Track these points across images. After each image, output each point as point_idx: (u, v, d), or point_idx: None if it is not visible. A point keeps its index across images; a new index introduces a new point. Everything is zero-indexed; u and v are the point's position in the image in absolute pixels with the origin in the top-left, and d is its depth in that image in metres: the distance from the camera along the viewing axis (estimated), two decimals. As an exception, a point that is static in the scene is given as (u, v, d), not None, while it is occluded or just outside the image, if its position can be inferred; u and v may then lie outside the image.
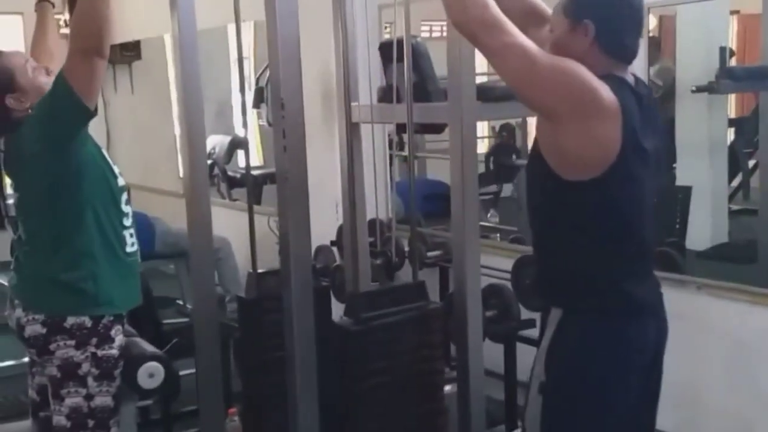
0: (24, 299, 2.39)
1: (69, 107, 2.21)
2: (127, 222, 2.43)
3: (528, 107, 1.87)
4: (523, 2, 2.12)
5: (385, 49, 2.78)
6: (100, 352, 2.32)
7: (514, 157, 5.61)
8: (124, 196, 2.45)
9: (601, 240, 1.86)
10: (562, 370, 1.89)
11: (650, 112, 1.90)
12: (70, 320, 2.30)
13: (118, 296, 2.38)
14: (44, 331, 2.31)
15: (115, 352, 2.36)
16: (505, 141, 5.98)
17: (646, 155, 1.84)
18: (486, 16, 1.77)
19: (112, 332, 2.35)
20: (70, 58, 2.20)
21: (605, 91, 1.75)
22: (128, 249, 2.42)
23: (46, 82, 2.35)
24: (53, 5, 2.73)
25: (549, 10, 2.02)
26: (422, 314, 2.39)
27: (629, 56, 1.88)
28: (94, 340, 2.32)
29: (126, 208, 2.44)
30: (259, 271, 2.60)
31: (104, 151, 2.45)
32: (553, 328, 1.92)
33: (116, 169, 2.45)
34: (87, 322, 2.31)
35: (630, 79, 1.87)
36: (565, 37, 1.86)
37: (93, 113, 2.27)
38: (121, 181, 2.45)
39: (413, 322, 2.36)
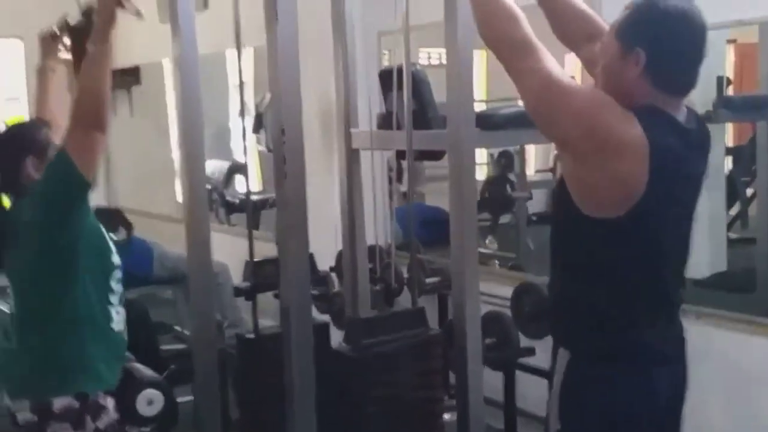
0: (9, 382, 2.35)
1: (69, 180, 2.21)
2: (115, 300, 2.38)
3: (544, 135, 1.79)
4: (578, 15, 2.00)
5: (385, 76, 2.80)
6: (101, 425, 2.28)
7: (508, 188, 5.55)
8: (117, 273, 2.40)
9: (617, 282, 1.76)
10: (575, 424, 1.82)
11: (699, 149, 1.80)
12: (57, 403, 2.24)
13: (105, 371, 2.33)
14: (36, 419, 2.25)
15: (114, 416, 2.31)
16: (499, 172, 5.90)
17: (682, 194, 1.75)
18: (516, 35, 1.72)
19: (102, 401, 2.30)
20: (71, 133, 2.22)
21: (627, 127, 1.64)
22: (114, 326, 2.37)
23: None
24: (53, 70, 2.73)
25: (605, 25, 1.91)
26: (422, 341, 2.38)
27: (682, 90, 1.75)
28: (89, 417, 2.26)
29: (117, 287, 2.39)
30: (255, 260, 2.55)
31: (102, 228, 2.42)
32: (561, 373, 1.83)
33: (113, 246, 2.42)
34: (74, 403, 2.25)
35: (679, 113, 1.75)
36: (615, 63, 1.72)
37: (92, 185, 2.29)
38: (116, 259, 2.41)
39: (413, 349, 2.35)
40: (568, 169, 1.75)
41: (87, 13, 2.43)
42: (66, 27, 2.62)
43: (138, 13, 2.26)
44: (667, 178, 1.67)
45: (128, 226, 4.58)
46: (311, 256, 2.40)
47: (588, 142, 1.66)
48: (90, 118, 2.20)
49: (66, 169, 2.20)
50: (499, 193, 5.50)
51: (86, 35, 2.30)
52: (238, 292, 2.98)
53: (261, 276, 2.52)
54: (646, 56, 1.68)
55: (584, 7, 2.02)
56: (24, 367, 2.33)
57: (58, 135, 2.37)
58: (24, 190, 2.31)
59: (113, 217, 4.57)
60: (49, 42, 2.68)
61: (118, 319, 2.38)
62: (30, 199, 2.29)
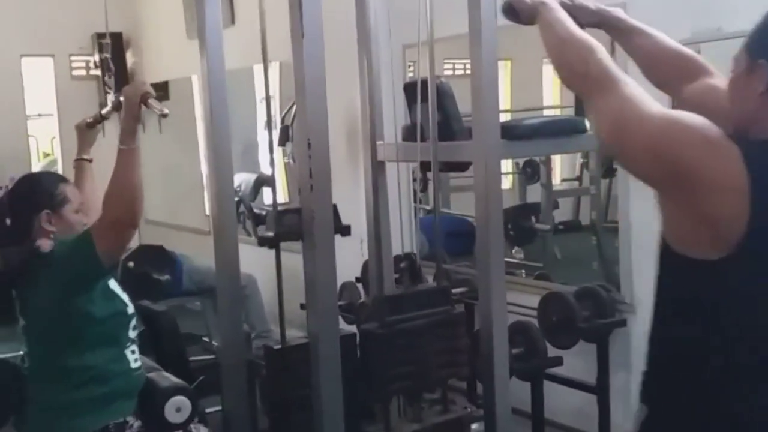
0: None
1: (86, 262, 2.25)
2: (131, 344, 2.43)
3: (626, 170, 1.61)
4: (670, 55, 1.85)
5: (410, 89, 2.81)
6: None
7: (533, 220, 5.13)
8: (133, 322, 2.46)
9: (711, 334, 1.49)
10: None
11: None
12: None
13: (126, 404, 2.38)
14: None
15: (137, 425, 2.36)
16: (522, 204, 5.43)
17: None
18: (590, 72, 1.57)
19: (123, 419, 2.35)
20: (101, 223, 2.26)
21: (719, 162, 1.40)
22: (132, 365, 2.42)
23: (77, 221, 2.42)
24: (90, 161, 2.79)
25: (704, 63, 1.80)
26: (446, 319, 2.38)
27: None
28: None
29: (133, 334, 2.45)
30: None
31: (113, 283, 2.45)
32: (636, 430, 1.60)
33: (125, 298, 2.46)
34: None
35: None
36: (741, 79, 1.51)
37: (108, 272, 2.34)
38: (130, 310, 2.46)
39: (437, 326, 2.36)
40: (657, 200, 1.52)
41: (118, 107, 2.50)
42: (100, 119, 2.71)
43: (163, 113, 2.33)
44: None
45: (172, 264, 4.67)
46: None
47: (662, 177, 1.46)
48: (121, 214, 2.25)
49: (86, 250, 2.24)
50: (524, 224, 5.28)
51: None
52: (262, 241, 3.05)
53: (284, 225, 2.56)
54: None
55: (675, 45, 1.87)
56: (41, 422, 2.35)
57: (92, 218, 2.43)
58: (39, 252, 2.32)
59: (157, 256, 4.66)
60: (84, 132, 2.73)
61: (134, 357, 2.43)
62: (47, 270, 2.30)
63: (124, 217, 2.26)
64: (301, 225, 2.18)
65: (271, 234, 2.38)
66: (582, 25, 1.77)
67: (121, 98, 2.38)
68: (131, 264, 4.54)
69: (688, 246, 1.47)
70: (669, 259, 1.52)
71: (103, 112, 2.71)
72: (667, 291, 1.57)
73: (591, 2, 1.91)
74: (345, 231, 2.39)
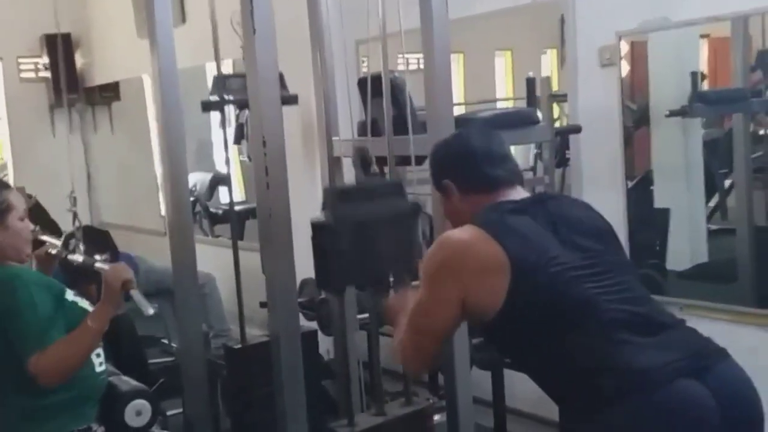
0: None
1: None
2: (98, 350, 2.40)
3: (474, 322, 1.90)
4: None
5: (364, 84, 2.82)
6: None
7: None
8: None
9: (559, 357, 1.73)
10: None
11: (558, 206, 1.89)
12: None
13: (89, 410, 2.36)
14: None
15: (101, 429, 2.34)
16: None
17: (561, 254, 1.74)
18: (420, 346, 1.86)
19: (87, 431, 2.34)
20: (33, 367, 2.20)
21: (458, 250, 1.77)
22: (97, 369, 2.39)
23: (23, 228, 2.39)
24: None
25: None
26: (400, 211, 2.33)
27: (496, 183, 1.90)
28: None
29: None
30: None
31: (70, 294, 2.42)
32: None
33: (86, 304, 2.43)
34: None
35: (513, 196, 1.88)
36: (446, 205, 1.97)
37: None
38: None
39: (391, 219, 2.31)
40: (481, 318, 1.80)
41: (89, 263, 2.46)
42: (62, 255, 2.61)
43: (147, 312, 2.28)
44: (530, 247, 1.74)
45: (114, 249, 4.57)
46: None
47: (460, 290, 1.76)
48: (53, 380, 2.23)
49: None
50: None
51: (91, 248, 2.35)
52: (206, 106, 3.03)
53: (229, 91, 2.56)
54: (453, 182, 1.92)
55: None
56: (5, 429, 2.33)
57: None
58: None
59: (101, 239, 4.56)
60: (44, 260, 2.66)
61: (99, 361, 2.41)
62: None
63: (50, 381, 2.24)
64: (245, 89, 2.15)
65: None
66: None
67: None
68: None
69: (485, 310, 1.75)
70: (492, 329, 1.80)
71: (66, 255, 2.64)
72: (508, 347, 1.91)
73: None
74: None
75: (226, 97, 2.90)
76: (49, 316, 2.27)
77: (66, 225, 2.73)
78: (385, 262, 2.28)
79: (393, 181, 2.49)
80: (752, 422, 1.70)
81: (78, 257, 2.52)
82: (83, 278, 2.51)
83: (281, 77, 2.23)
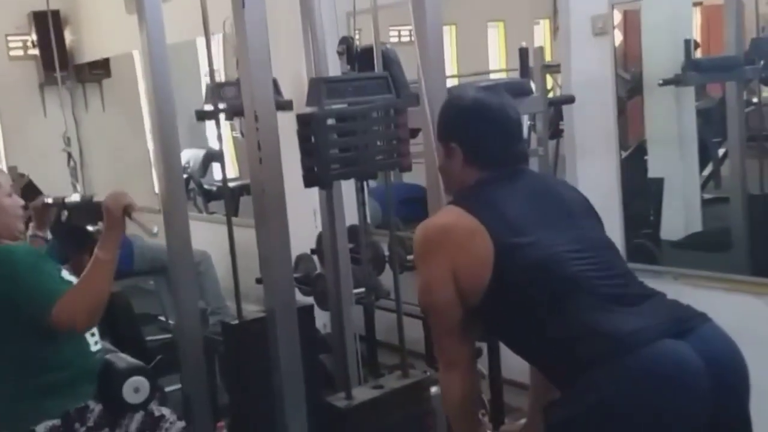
0: None
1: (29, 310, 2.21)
2: (93, 329, 2.40)
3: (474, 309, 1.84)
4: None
5: (356, 56, 2.80)
6: (90, 423, 2.29)
7: None
8: None
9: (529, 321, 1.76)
10: None
11: (539, 183, 1.94)
12: (40, 429, 2.25)
13: (87, 389, 2.35)
14: None
15: (98, 408, 2.33)
16: None
17: (537, 228, 1.77)
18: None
19: (84, 410, 2.32)
20: (58, 318, 2.18)
21: (443, 228, 1.81)
22: (92, 349, 2.39)
23: (11, 205, 2.37)
24: (47, 240, 2.69)
25: None
26: (387, 106, 2.30)
27: (504, 165, 1.88)
28: (77, 425, 2.28)
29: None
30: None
31: (66, 273, 2.40)
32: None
33: None
34: (56, 423, 2.26)
35: (502, 173, 1.87)
36: (445, 162, 1.94)
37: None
38: None
39: (377, 113, 2.29)
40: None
41: (88, 199, 2.49)
42: (62, 203, 2.62)
43: (150, 232, 2.25)
44: (510, 226, 1.76)
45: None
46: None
47: (449, 273, 1.79)
48: (81, 319, 2.22)
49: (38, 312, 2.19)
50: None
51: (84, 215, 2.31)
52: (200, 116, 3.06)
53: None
54: (460, 147, 1.89)
55: None
56: (2, 411, 2.32)
57: None
58: None
59: (97, 210, 4.54)
60: (40, 211, 2.64)
61: (93, 340, 2.41)
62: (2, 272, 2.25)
63: (83, 323, 2.24)
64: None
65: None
66: None
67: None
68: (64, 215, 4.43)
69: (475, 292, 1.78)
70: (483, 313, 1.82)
71: (67, 200, 2.64)
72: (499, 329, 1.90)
73: None
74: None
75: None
76: (53, 274, 2.27)
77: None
78: (372, 156, 2.27)
79: (380, 74, 2.43)
80: (741, 381, 1.70)
81: (76, 197, 2.51)
82: (78, 246, 2.51)
83: (275, 83, 2.19)
